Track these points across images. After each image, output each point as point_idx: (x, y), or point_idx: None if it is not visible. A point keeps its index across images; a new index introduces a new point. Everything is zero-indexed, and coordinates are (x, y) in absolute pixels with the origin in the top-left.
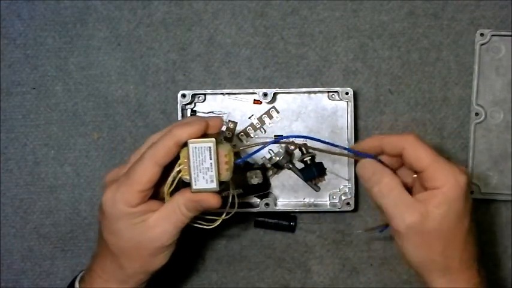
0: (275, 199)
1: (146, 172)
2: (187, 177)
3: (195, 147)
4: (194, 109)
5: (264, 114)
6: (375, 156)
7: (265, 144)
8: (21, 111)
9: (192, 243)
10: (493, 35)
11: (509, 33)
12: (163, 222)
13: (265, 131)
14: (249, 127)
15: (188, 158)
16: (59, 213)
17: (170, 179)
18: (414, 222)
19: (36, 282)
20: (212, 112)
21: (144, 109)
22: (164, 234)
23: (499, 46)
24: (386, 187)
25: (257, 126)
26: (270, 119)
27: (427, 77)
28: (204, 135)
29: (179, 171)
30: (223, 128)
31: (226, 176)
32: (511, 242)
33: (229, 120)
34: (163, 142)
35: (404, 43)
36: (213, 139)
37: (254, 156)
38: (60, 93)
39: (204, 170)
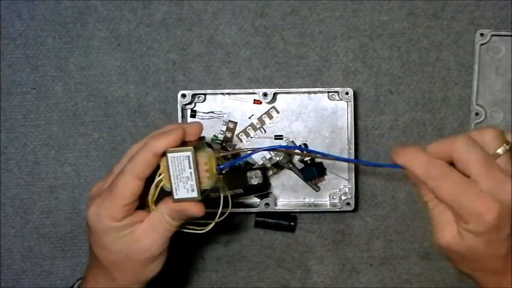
0: (275, 199)
1: (128, 186)
2: (169, 187)
3: (174, 157)
4: (194, 109)
5: (264, 114)
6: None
7: (248, 154)
8: (21, 111)
9: (192, 243)
10: (493, 35)
11: (509, 33)
12: (151, 233)
13: (265, 131)
14: (249, 127)
15: (168, 168)
16: (59, 213)
17: (152, 189)
18: (444, 243)
19: (36, 282)
20: (212, 112)
21: (144, 109)
22: (152, 244)
23: (499, 46)
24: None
25: (257, 126)
26: (270, 119)
27: (427, 77)
28: (184, 142)
29: (160, 181)
30: (223, 128)
31: (207, 183)
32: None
33: (229, 120)
34: (141, 155)
35: (404, 43)
36: (191, 148)
37: (254, 156)
38: (60, 93)
39: (184, 179)
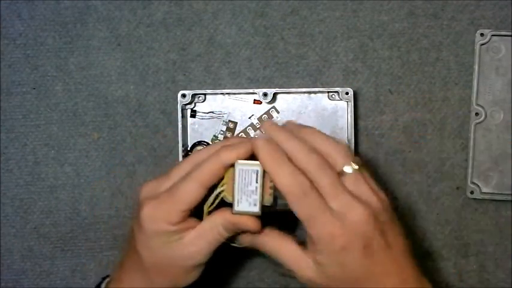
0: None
1: (192, 193)
2: (230, 198)
3: (242, 170)
4: (194, 109)
5: (264, 114)
6: None
7: None
8: (21, 111)
9: None
10: (493, 35)
11: (509, 33)
12: (199, 241)
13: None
14: (249, 127)
15: (233, 179)
16: (59, 213)
17: (212, 198)
18: (306, 280)
19: (36, 282)
20: (212, 112)
21: (144, 109)
22: (199, 253)
23: (499, 46)
24: (274, 247)
25: (257, 126)
26: (270, 119)
27: (427, 77)
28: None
29: (222, 191)
30: (223, 128)
31: (268, 200)
32: (511, 242)
33: (229, 120)
34: (210, 164)
35: (404, 43)
36: None
37: None
38: (60, 93)
39: (248, 192)
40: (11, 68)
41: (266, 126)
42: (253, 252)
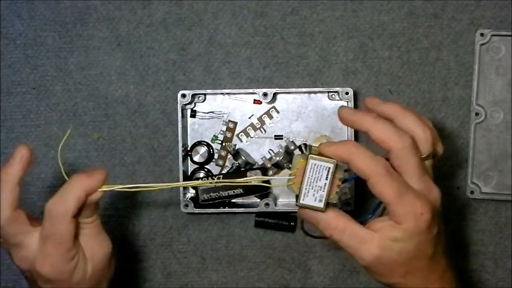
0: (275, 199)
1: (65, 229)
2: (296, 190)
3: (314, 164)
4: (194, 109)
5: (264, 114)
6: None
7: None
8: (21, 111)
9: (192, 243)
10: (493, 35)
11: (509, 33)
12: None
13: (265, 131)
14: (249, 127)
15: (304, 172)
16: None
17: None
18: (372, 258)
19: None
20: (212, 112)
21: (144, 109)
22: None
23: (499, 46)
24: (336, 229)
25: (257, 126)
26: (270, 119)
27: (427, 77)
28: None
29: (290, 181)
30: (223, 128)
31: (334, 198)
32: (511, 242)
33: (229, 120)
34: (75, 195)
35: (404, 43)
36: (335, 161)
37: (254, 156)
38: (60, 93)
39: (316, 187)
40: (11, 68)
41: (347, 113)
42: (253, 252)
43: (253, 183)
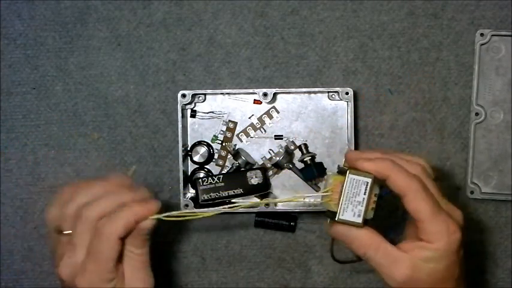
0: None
1: (112, 249)
2: (332, 206)
3: (354, 179)
4: (194, 109)
5: (264, 114)
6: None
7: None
8: (21, 111)
9: (192, 243)
10: (493, 35)
11: (509, 33)
12: (137, 274)
13: (265, 131)
14: (249, 127)
15: (342, 188)
16: None
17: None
18: (403, 279)
19: (36, 282)
20: (212, 112)
21: (144, 109)
22: (144, 280)
23: (499, 46)
24: (370, 248)
25: (257, 126)
26: (270, 119)
27: (427, 77)
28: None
29: (327, 197)
30: (224, 128)
31: (370, 213)
32: (511, 242)
33: (229, 120)
34: (124, 220)
35: (404, 43)
36: (373, 176)
37: (254, 156)
38: (60, 93)
39: (355, 202)
40: (11, 68)
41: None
42: (253, 252)
43: (280, 205)
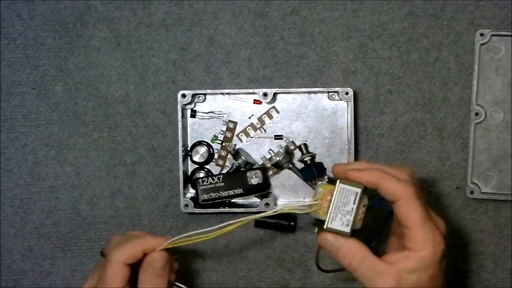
0: (275, 199)
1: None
2: (321, 214)
3: (343, 189)
4: (194, 109)
5: (264, 114)
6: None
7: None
8: (21, 111)
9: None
10: (493, 35)
11: (509, 33)
12: None
13: (265, 131)
14: (249, 127)
15: (331, 196)
16: (59, 213)
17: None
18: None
19: (36, 282)
20: (212, 112)
21: (144, 109)
22: None
23: (499, 46)
24: (355, 259)
25: (257, 126)
26: (270, 119)
27: (427, 77)
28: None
29: (315, 205)
30: (224, 128)
31: (358, 224)
32: (511, 242)
33: (229, 120)
34: (132, 247)
35: (404, 43)
36: (363, 186)
37: (254, 156)
38: (60, 93)
39: (344, 212)
40: (11, 68)
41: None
42: (253, 252)
43: (279, 212)
